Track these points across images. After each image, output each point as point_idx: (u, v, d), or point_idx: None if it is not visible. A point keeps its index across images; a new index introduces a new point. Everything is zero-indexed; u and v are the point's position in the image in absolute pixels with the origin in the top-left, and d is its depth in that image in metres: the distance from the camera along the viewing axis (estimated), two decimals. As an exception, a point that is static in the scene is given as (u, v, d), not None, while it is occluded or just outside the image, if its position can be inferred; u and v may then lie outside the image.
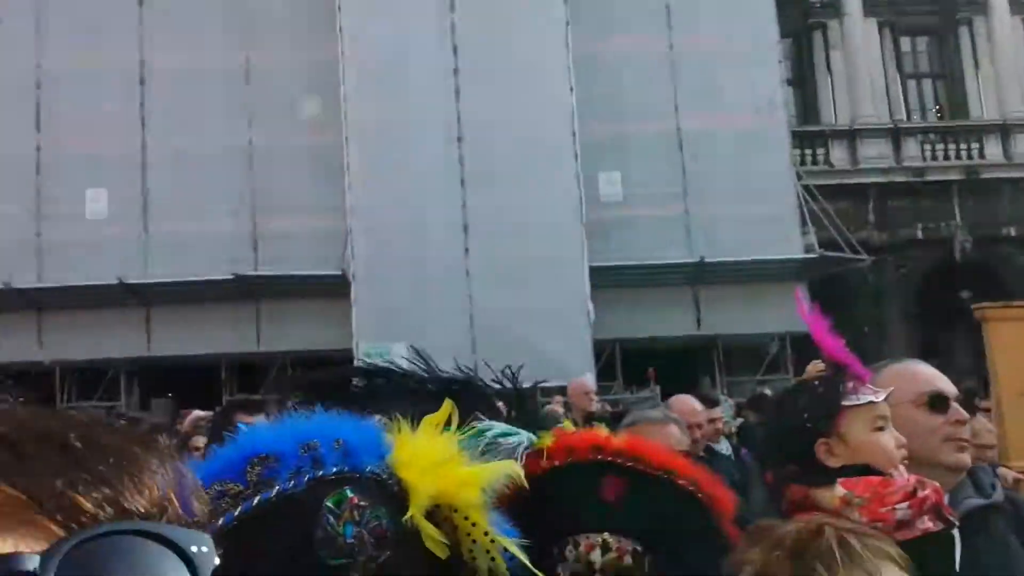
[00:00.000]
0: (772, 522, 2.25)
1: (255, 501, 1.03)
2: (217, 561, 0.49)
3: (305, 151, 15.33)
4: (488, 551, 1.18)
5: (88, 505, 0.47)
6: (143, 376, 15.66)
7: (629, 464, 1.68)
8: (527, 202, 14.11)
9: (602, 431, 1.93)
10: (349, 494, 1.07)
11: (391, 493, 1.14)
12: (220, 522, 1.01)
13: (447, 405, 1.27)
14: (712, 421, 5.57)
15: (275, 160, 15.19)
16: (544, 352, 12.46)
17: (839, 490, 2.14)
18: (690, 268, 15.16)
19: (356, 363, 13.35)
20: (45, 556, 0.44)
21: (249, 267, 15.03)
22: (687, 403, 5.08)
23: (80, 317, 15.07)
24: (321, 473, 1.07)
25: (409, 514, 1.12)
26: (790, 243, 15.32)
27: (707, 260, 14.83)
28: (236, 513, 1.03)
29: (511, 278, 13.95)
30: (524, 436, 1.64)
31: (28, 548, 0.45)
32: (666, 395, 11.53)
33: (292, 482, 1.05)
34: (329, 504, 1.05)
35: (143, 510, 0.49)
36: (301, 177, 15.20)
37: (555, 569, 1.69)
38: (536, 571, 1.21)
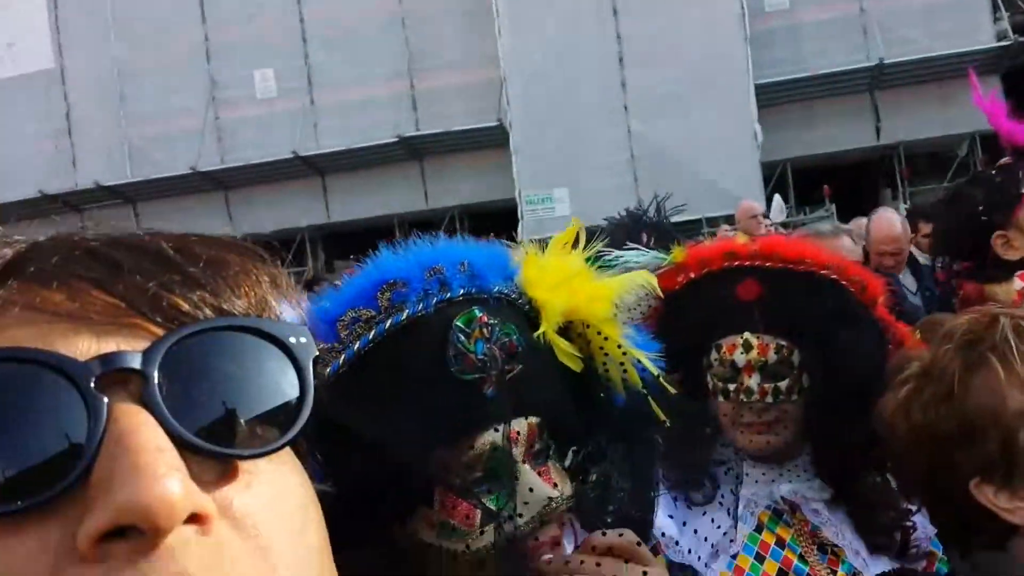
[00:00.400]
0: (943, 315, 2.15)
1: (387, 324, 1.08)
2: (314, 351, 0.50)
3: (455, 4, 15.16)
4: (621, 363, 1.19)
5: (185, 306, 0.48)
6: (326, 242, 16.61)
7: (763, 264, 1.64)
8: (684, 23, 13.34)
9: (737, 238, 1.89)
10: (478, 313, 1.09)
11: (521, 311, 1.17)
12: (356, 346, 1.07)
13: (575, 223, 1.26)
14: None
15: (427, 18, 15.13)
16: (711, 181, 12.10)
17: (1017, 283, 2.00)
18: (867, 73, 14.01)
19: (520, 212, 13.66)
20: (146, 353, 0.46)
21: (411, 128, 15.33)
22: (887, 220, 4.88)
23: (262, 192, 16.07)
24: (449, 295, 1.10)
25: (541, 330, 1.15)
26: (980, 32, 13.80)
27: (886, 61, 13.64)
28: (370, 336, 1.07)
29: (671, 108, 13.40)
30: (650, 255, 1.62)
31: (130, 347, 0.46)
32: (843, 213, 11.01)
33: (421, 305, 1.09)
34: (459, 324, 1.08)
35: (240, 311, 0.50)
36: (453, 32, 15.10)
37: (703, 379, 1.70)
38: (667, 382, 1.21)
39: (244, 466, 0.48)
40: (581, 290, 1.20)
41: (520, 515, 1.06)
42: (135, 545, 0.41)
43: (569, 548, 1.13)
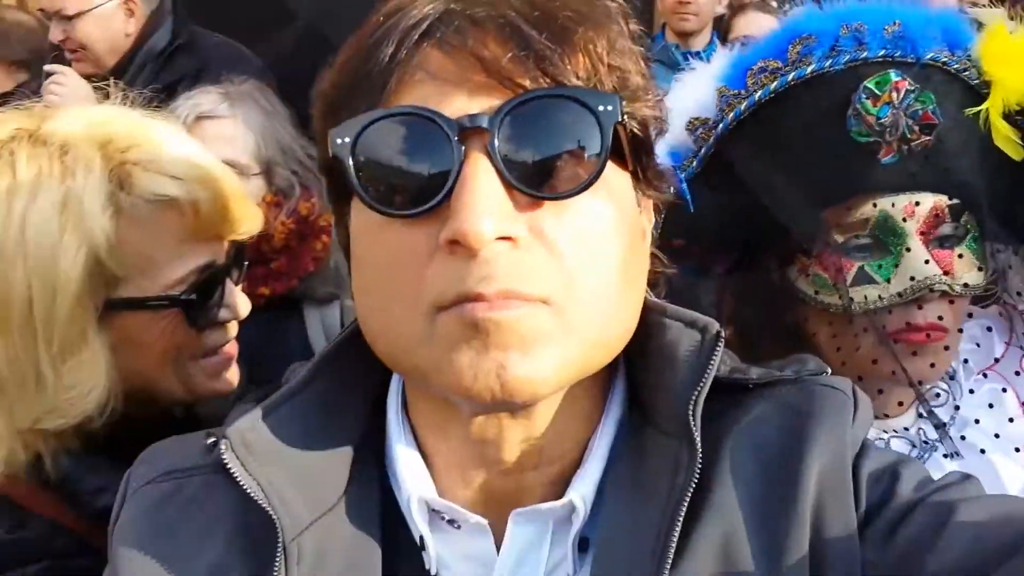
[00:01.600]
0: None
1: (790, 77, 1.07)
2: (618, 117, 0.63)
3: None
4: None
5: (526, 80, 0.62)
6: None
7: None
8: None
9: None
10: (893, 77, 1.05)
11: (964, 85, 1.08)
12: (757, 95, 1.09)
13: None
14: None
15: None
16: None
17: None
18: None
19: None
20: (493, 115, 0.61)
21: None
22: None
23: None
24: (865, 55, 1.06)
25: (984, 106, 1.06)
26: None
27: None
28: (772, 87, 1.08)
29: None
30: None
31: (483, 109, 0.62)
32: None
33: (829, 61, 1.06)
34: (868, 85, 1.05)
35: (570, 81, 0.63)
36: None
37: None
38: None
39: (558, 202, 0.63)
40: None
41: (893, 286, 1.08)
42: (467, 251, 0.60)
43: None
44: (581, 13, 0.65)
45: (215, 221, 1.12)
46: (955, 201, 1.08)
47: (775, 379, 0.72)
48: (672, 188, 0.79)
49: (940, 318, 1.07)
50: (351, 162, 0.63)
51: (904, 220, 1.07)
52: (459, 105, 0.62)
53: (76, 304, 1.01)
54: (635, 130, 0.67)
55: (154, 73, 2.57)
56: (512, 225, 0.61)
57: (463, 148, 0.61)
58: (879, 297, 1.07)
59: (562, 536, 0.69)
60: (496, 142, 0.61)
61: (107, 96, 1.20)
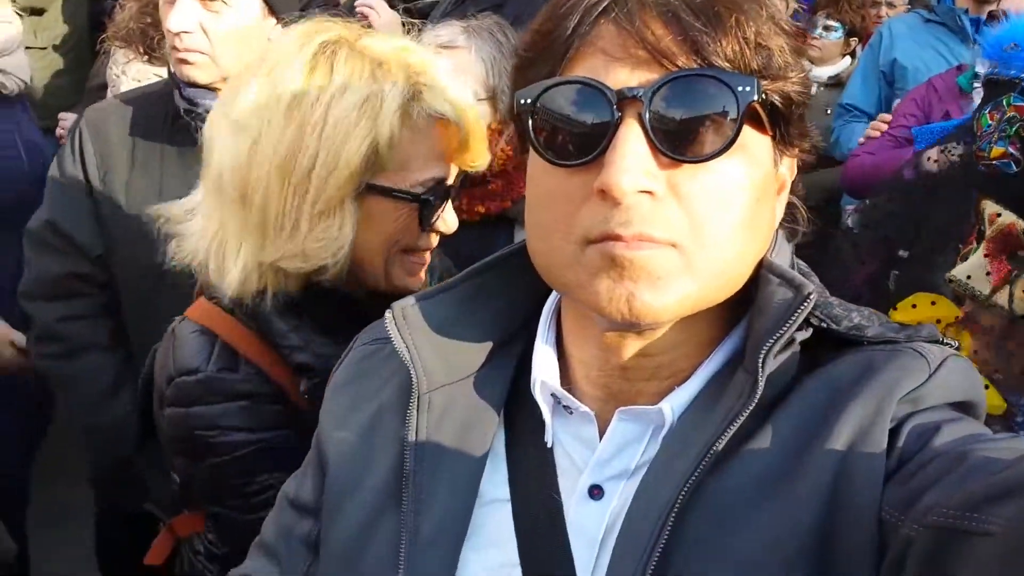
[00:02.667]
0: None
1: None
2: (755, 97, 0.74)
3: None
4: None
5: (681, 58, 0.74)
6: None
7: None
8: None
9: None
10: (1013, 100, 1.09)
11: None
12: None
13: None
14: None
15: None
16: None
17: None
18: None
19: None
20: (648, 88, 0.73)
21: None
22: None
23: None
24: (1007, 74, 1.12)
25: None
26: None
27: None
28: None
29: None
30: None
31: (640, 82, 0.74)
32: None
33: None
34: None
35: (719, 61, 0.74)
36: None
37: None
38: None
39: (695, 164, 0.74)
40: None
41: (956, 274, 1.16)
42: (612, 199, 0.73)
43: None
44: (734, 1, 0.75)
45: (462, 148, 1.40)
46: None
47: (888, 339, 0.79)
48: (812, 146, 0.87)
49: None
50: (530, 120, 0.78)
51: (988, 225, 1.12)
52: (622, 77, 0.74)
53: (348, 179, 1.30)
54: (777, 103, 0.78)
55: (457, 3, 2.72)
56: (652, 181, 0.73)
57: (620, 114, 0.73)
58: None
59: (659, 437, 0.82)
60: (647, 111, 0.72)
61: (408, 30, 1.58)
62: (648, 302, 0.75)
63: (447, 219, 1.43)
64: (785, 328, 0.76)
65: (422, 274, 1.46)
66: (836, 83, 4.29)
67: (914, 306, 1.35)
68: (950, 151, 1.36)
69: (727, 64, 0.74)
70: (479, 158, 1.45)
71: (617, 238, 0.73)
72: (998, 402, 1.24)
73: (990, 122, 1.16)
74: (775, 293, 0.79)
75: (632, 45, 0.74)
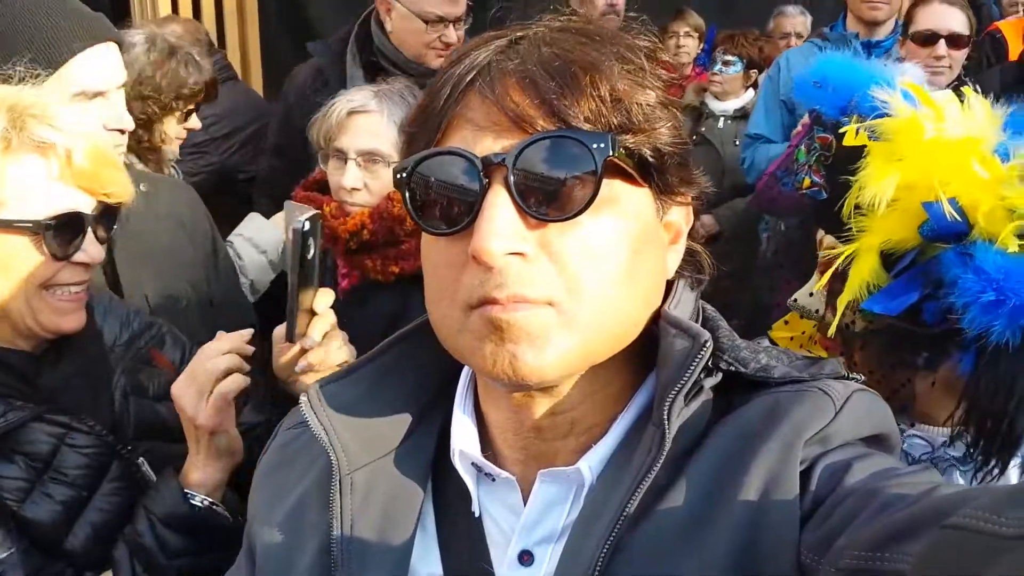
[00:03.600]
0: None
1: None
2: (611, 152, 0.76)
3: None
4: None
5: (540, 122, 0.76)
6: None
7: None
8: None
9: None
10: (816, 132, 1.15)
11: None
12: None
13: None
14: None
15: None
16: None
17: None
18: None
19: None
20: (510, 153, 0.75)
21: None
22: None
23: None
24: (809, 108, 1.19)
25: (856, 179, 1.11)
26: None
27: None
28: None
29: None
30: None
31: (502, 148, 0.76)
32: None
33: None
34: None
35: (576, 121, 0.76)
36: None
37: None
38: None
39: (563, 221, 0.76)
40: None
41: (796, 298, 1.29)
42: (486, 265, 0.74)
43: None
44: (591, 60, 0.78)
45: (85, 174, 1.40)
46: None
47: (794, 378, 0.80)
48: (699, 192, 0.88)
49: None
50: (407, 192, 0.80)
51: (819, 249, 1.20)
52: (487, 144, 0.77)
53: None
54: (646, 155, 0.79)
55: None
56: (521, 243, 0.75)
57: (487, 180, 0.75)
58: None
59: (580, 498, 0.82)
60: (511, 175, 0.75)
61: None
62: (530, 362, 0.76)
63: (88, 250, 1.43)
64: (685, 377, 0.77)
65: (78, 313, 1.46)
66: (742, 115, 4.42)
67: (786, 322, 1.42)
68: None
69: (585, 124, 0.76)
70: (112, 187, 1.44)
71: (493, 301, 0.75)
72: None
73: (804, 155, 1.23)
74: (674, 344, 0.80)
75: (495, 114, 0.77)
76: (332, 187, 2.17)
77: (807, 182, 1.23)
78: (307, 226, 1.35)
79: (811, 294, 1.27)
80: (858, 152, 1.12)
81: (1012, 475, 1.20)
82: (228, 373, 1.44)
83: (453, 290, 0.79)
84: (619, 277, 0.78)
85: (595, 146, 0.75)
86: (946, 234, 1.06)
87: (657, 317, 0.84)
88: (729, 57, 4.44)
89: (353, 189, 2.10)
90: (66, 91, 1.81)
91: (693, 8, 4.93)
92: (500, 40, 0.82)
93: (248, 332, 1.50)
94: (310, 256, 1.38)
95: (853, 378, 0.82)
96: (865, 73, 1.17)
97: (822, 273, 1.20)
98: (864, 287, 1.12)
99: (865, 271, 1.12)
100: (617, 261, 0.78)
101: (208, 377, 1.42)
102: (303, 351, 1.46)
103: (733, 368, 0.81)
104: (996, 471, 1.14)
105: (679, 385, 0.77)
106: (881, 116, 1.11)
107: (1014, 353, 1.06)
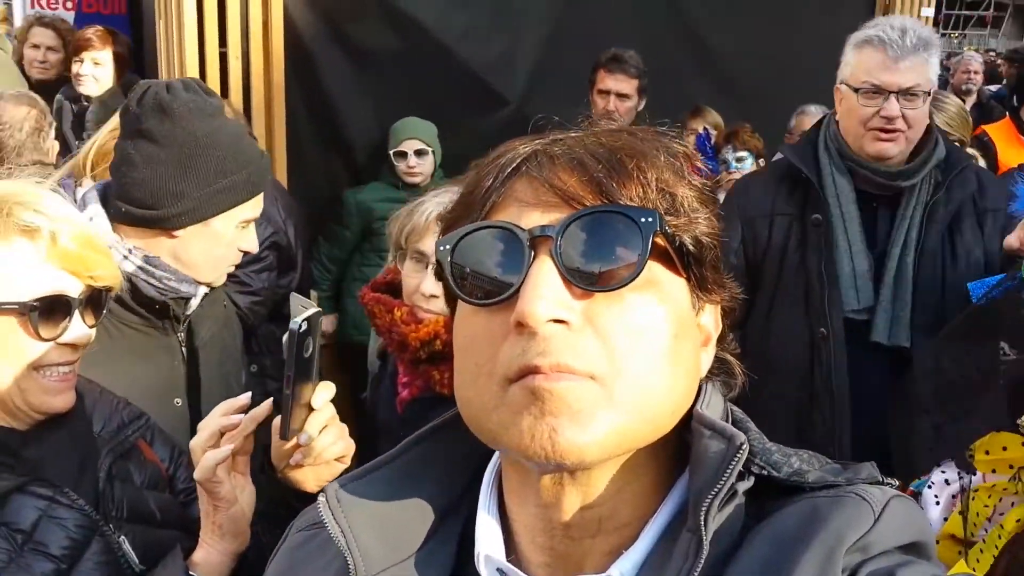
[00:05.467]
0: None
1: None
2: (657, 227, 0.77)
3: None
4: None
5: (587, 199, 0.78)
6: None
7: None
8: None
9: None
10: None
11: None
12: None
13: None
14: None
15: None
16: None
17: None
18: None
19: None
20: (558, 226, 0.77)
21: None
22: None
23: None
24: None
25: None
26: None
27: None
28: None
29: None
30: None
31: (550, 222, 0.78)
32: None
33: None
34: None
35: (623, 199, 0.78)
36: None
37: None
38: None
39: (611, 294, 0.76)
40: None
41: None
42: (529, 330, 0.74)
43: None
44: (637, 149, 0.81)
45: (71, 257, 1.46)
46: None
47: (828, 483, 0.78)
48: (734, 298, 0.89)
49: None
50: (449, 265, 0.80)
51: None
52: (534, 219, 0.78)
53: None
54: (687, 244, 0.80)
55: (932, 188, 2.61)
56: (566, 311, 0.74)
57: (532, 252, 0.76)
58: None
59: None
60: (559, 246, 0.75)
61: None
62: (571, 438, 0.73)
63: (75, 331, 1.47)
64: (723, 481, 0.74)
65: (68, 393, 1.50)
66: (763, 209, 4.47)
67: (987, 452, 1.32)
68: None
69: (631, 202, 0.78)
70: (98, 270, 1.50)
71: (536, 370, 0.73)
72: None
73: None
74: (709, 446, 0.78)
75: (543, 192, 0.78)
76: (406, 290, 2.10)
77: None
78: (304, 327, 1.36)
79: None
80: None
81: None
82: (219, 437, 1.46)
83: (492, 363, 0.77)
84: (662, 357, 0.78)
85: (643, 220, 0.76)
86: None
87: (688, 417, 0.82)
88: (741, 153, 4.50)
89: (431, 296, 2.02)
90: (242, 218, 2.03)
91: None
92: (542, 138, 0.84)
93: (245, 398, 1.50)
94: (307, 354, 1.39)
95: (888, 483, 0.80)
96: None
97: None
98: None
99: None
100: (660, 342, 0.78)
101: (198, 443, 1.45)
102: (298, 445, 1.45)
103: (766, 472, 0.78)
104: None
105: (715, 489, 0.74)
106: None
107: None
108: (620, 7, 4.73)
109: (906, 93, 2.49)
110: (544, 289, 0.74)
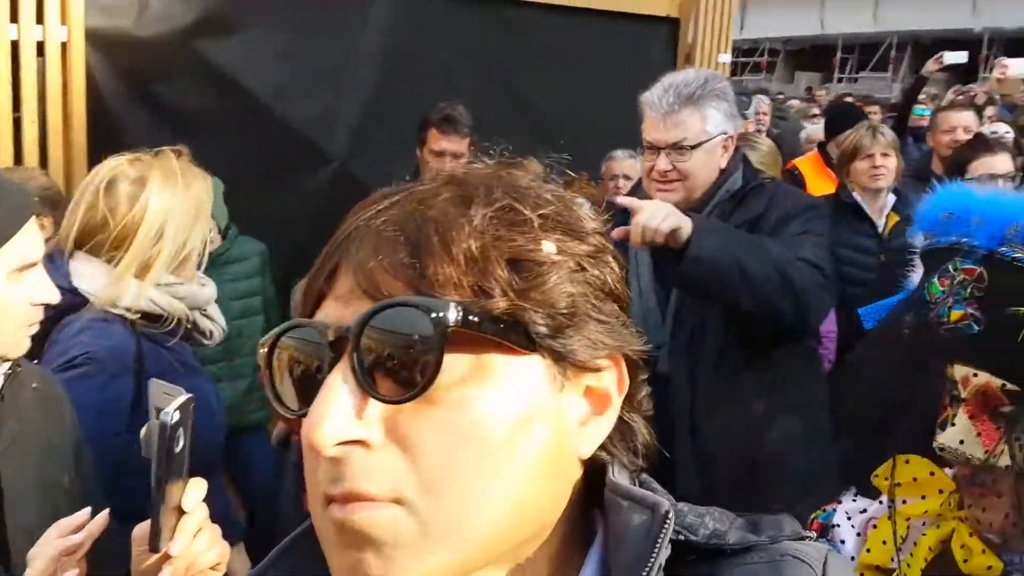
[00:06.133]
0: None
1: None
2: (452, 320, 0.63)
3: None
4: None
5: (385, 290, 0.66)
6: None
7: None
8: None
9: None
10: (959, 264, 1.17)
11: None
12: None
13: None
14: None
15: None
16: None
17: None
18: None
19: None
20: (355, 324, 0.64)
21: None
22: None
23: None
24: (933, 243, 1.23)
25: None
26: None
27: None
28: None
29: None
30: None
31: (350, 319, 0.65)
32: None
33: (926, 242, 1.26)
34: (947, 267, 1.19)
35: (428, 287, 0.65)
36: None
37: None
38: None
39: (422, 399, 0.63)
40: None
41: (945, 441, 1.20)
42: (321, 456, 0.63)
43: None
44: (445, 217, 0.67)
45: None
46: (999, 377, 1.13)
47: (751, 544, 0.71)
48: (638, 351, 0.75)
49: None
50: (266, 369, 0.70)
51: (962, 387, 1.17)
52: (339, 315, 0.67)
53: None
54: (526, 319, 0.66)
55: (727, 213, 2.68)
56: (361, 429, 0.63)
57: (332, 355, 0.65)
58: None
59: None
60: (357, 349, 0.63)
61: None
62: (376, 574, 0.63)
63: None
64: (654, 555, 0.66)
65: None
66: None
67: (915, 479, 1.33)
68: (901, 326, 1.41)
69: (438, 290, 0.65)
70: None
71: (332, 499, 0.64)
72: (995, 563, 1.23)
73: (941, 289, 1.21)
74: (630, 519, 0.69)
75: (352, 282, 0.68)
76: None
77: (956, 314, 1.18)
78: (176, 417, 1.21)
79: (962, 442, 1.19)
80: (1017, 282, 1.11)
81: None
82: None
83: (313, 484, 0.67)
84: (505, 464, 0.65)
85: (433, 315, 0.62)
86: None
87: (582, 500, 0.72)
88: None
89: None
90: (7, 265, 1.65)
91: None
92: (386, 199, 0.71)
93: (84, 514, 1.35)
94: (179, 449, 1.23)
95: (807, 535, 0.74)
96: (1012, 202, 1.17)
97: (976, 411, 1.16)
98: None
99: None
100: (500, 445, 0.64)
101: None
102: (167, 556, 1.28)
103: (682, 537, 0.70)
104: None
105: (648, 565, 0.66)
106: None
107: None
108: (442, 63, 4.77)
109: (674, 147, 2.67)
110: (333, 405, 0.63)
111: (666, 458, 0.81)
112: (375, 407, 0.64)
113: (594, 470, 0.73)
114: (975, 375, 1.16)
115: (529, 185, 0.73)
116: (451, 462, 0.63)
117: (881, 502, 1.37)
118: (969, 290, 1.14)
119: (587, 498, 0.74)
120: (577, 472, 0.72)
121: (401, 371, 0.63)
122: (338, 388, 0.64)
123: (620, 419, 0.73)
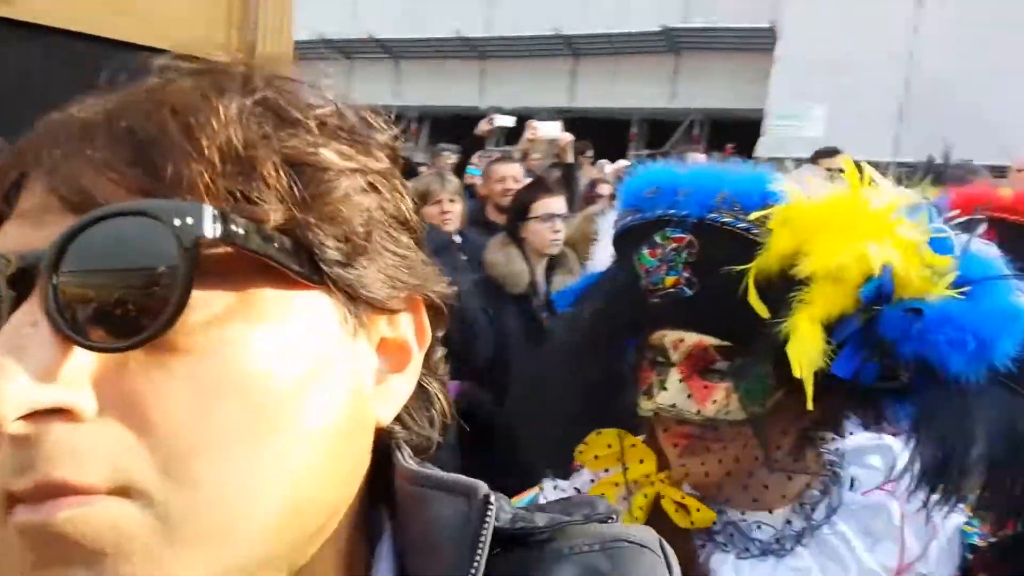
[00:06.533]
0: None
1: (617, 226, 1.30)
2: (207, 233, 0.44)
3: None
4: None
5: (107, 196, 0.46)
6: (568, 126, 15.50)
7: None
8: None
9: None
10: (668, 234, 1.21)
11: (749, 242, 1.15)
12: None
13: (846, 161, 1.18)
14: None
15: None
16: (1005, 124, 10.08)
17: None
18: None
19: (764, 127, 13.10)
20: (50, 249, 0.44)
21: (676, 19, 14.96)
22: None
23: (516, 66, 16.26)
24: (642, 216, 1.24)
25: (748, 266, 1.13)
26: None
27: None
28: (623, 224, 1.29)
29: (971, 39, 11.55)
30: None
31: (40, 240, 0.45)
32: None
33: (630, 218, 1.27)
34: (655, 237, 1.22)
35: (166, 190, 0.46)
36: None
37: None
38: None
39: (155, 349, 0.44)
40: (833, 241, 1.11)
41: (660, 404, 1.24)
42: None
43: None
44: (192, 102, 0.48)
45: None
46: (722, 341, 1.20)
47: (562, 524, 0.58)
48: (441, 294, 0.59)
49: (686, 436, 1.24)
50: None
51: (670, 352, 1.24)
52: (24, 238, 0.46)
53: None
54: (306, 237, 0.48)
55: None
56: (60, 391, 0.43)
57: (14, 294, 0.45)
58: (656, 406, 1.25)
59: None
60: (52, 282, 0.44)
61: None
62: None
63: None
64: (480, 549, 0.52)
65: None
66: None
67: (596, 457, 1.36)
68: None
69: (180, 194, 0.46)
70: None
71: (15, 499, 0.43)
72: (712, 515, 1.29)
73: (652, 259, 1.23)
74: (440, 509, 0.55)
75: (46, 194, 0.47)
76: None
77: (671, 280, 1.22)
78: None
79: (674, 405, 1.24)
80: (727, 245, 1.15)
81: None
82: None
83: None
84: (268, 439, 0.46)
85: (177, 223, 0.44)
86: (885, 295, 1.09)
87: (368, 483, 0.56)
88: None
89: None
90: None
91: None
92: (91, 98, 0.51)
93: None
94: None
95: (612, 518, 0.62)
96: (717, 174, 1.22)
97: (687, 371, 1.21)
98: (810, 358, 1.09)
99: (809, 343, 1.09)
100: (261, 412, 0.46)
101: None
102: None
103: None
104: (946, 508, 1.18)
105: (474, 567, 0.52)
106: (776, 203, 1.14)
107: (969, 394, 1.09)
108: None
109: None
110: (12, 361, 0.42)
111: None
112: (83, 360, 0.43)
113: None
114: (682, 339, 1.24)
115: (297, 80, 0.54)
116: (205, 431, 0.44)
117: (595, 479, 1.40)
118: (684, 255, 1.21)
119: (369, 485, 0.57)
120: (370, 445, 0.55)
121: (125, 309, 0.44)
122: (21, 337, 0.43)
123: (420, 384, 0.58)
